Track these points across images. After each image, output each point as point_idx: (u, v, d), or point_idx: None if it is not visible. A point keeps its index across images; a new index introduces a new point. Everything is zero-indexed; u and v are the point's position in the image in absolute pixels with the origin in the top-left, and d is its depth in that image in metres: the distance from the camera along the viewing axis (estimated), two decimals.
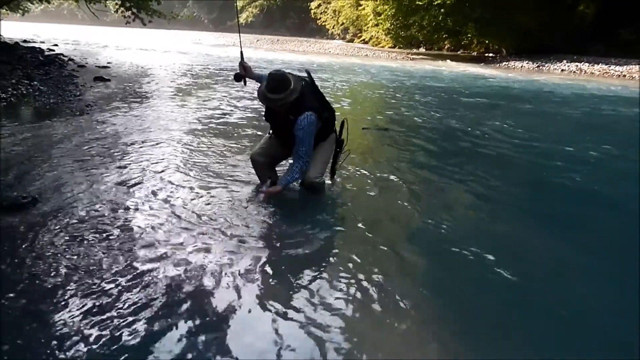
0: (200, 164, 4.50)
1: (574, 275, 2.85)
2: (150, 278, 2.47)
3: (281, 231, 3.17)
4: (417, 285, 2.63)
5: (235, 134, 5.93)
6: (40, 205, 3.28)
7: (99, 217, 3.17)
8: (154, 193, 3.66)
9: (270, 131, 3.81)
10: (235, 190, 3.81)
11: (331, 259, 2.86)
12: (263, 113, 3.80)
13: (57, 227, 2.97)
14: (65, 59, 14.18)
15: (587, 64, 21.57)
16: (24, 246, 2.73)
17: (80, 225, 3.03)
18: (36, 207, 3.26)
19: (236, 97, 9.13)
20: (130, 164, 4.40)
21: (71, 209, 3.27)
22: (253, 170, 3.92)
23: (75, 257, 2.63)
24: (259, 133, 5.85)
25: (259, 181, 3.85)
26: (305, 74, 3.60)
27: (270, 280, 2.58)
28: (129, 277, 2.47)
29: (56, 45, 20.42)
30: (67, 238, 2.84)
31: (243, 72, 3.71)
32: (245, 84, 3.85)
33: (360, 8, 37.15)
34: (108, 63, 14.55)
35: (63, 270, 2.49)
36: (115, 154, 4.72)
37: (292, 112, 3.37)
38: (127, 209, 3.35)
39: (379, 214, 3.61)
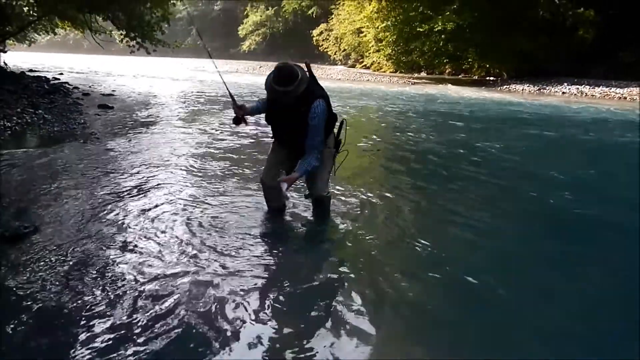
0: (204, 190, 4.49)
1: (567, 296, 2.86)
2: (151, 305, 2.44)
3: (282, 256, 3.17)
4: (408, 306, 2.65)
5: (238, 158, 5.93)
6: (41, 235, 3.26)
7: (101, 245, 3.15)
8: (158, 220, 3.64)
9: (273, 141, 3.71)
10: (240, 214, 3.81)
11: (329, 280, 2.84)
12: (264, 117, 3.63)
13: (56, 257, 2.95)
14: (70, 87, 14.33)
15: (587, 87, 21.65)
16: (23, 276, 2.70)
17: (81, 254, 3.01)
18: (38, 236, 3.23)
19: None
20: (133, 191, 4.39)
21: (73, 238, 3.25)
22: (256, 192, 3.87)
23: (74, 285, 2.60)
24: (261, 156, 5.83)
25: (263, 203, 3.85)
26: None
27: (269, 303, 2.56)
28: (131, 302, 2.45)
29: (61, 73, 20.70)
30: (67, 267, 2.81)
31: (240, 113, 3.60)
32: (246, 123, 3.72)
33: (361, 35, 37.61)
34: (112, 91, 14.71)
35: (61, 299, 2.45)
36: (119, 181, 4.72)
37: (303, 102, 3.26)
38: (130, 235, 3.32)
39: (375, 235, 3.60)
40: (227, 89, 3.88)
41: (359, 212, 4.06)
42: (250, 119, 3.80)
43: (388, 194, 4.64)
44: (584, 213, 4.45)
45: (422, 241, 3.47)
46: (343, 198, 4.35)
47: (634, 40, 23.44)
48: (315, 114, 3.27)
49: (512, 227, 4.05)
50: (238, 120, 3.63)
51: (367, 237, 3.55)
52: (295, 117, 3.30)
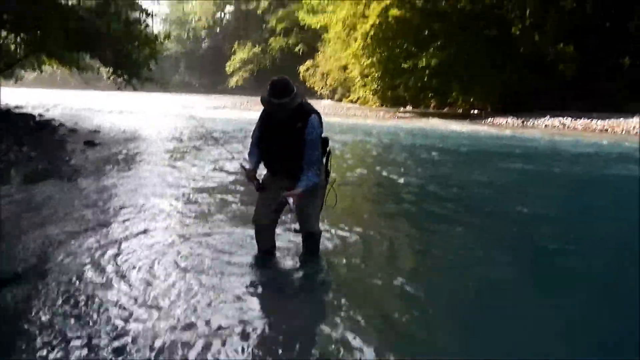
0: (188, 230, 4.40)
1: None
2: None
3: (274, 303, 3.11)
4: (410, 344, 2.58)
5: (224, 197, 5.86)
6: (23, 282, 3.14)
7: (84, 294, 3.04)
8: (140, 265, 3.51)
9: (263, 176, 3.57)
10: (226, 257, 3.71)
11: (326, 326, 2.72)
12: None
13: (39, 307, 2.83)
14: (56, 124, 14.27)
15: (569, 119, 22.01)
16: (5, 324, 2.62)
17: (65, 303, 2.90)
18: (19, 284, 3.11)
19: (225, 159, 8.98)
20: (115, 232, 4.28)
21: (56, 284, 3.14)
22: (244, 232, 3.79)
23: (56, 335, 2.51)
24: (247, 196, 5.63)
25: (255, 242, 3.69)
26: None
27: (263, 342, 2.50)
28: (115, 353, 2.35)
29: (47, 110, 20.64)
30: (49, 317, 2.71)
31: (255, 175, 3.46)
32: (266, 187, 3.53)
33: (347, 71, 38.19)
34: (98, 127, 14.62)
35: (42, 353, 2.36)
36: (104, 221, 4.63)
37: (300, 118, 3.23)
38: (116, 281, 3.20)
39: (367, 273, 3.56)
40: (241, 166, 3.62)
41: (348, 250, 4.00)
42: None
43: (376, 230, 4.60)
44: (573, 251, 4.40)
45: (413, 277, 3.45)
46: (333, 232, 4.30)
47: (613, 73, 24.14)
48: (313, 127, 3.24)
49: (504, 259, 4.01)
50: (262, 186, 3.47)
51: (360, 276, 3.51)
52: (291, 133, 3.24)
